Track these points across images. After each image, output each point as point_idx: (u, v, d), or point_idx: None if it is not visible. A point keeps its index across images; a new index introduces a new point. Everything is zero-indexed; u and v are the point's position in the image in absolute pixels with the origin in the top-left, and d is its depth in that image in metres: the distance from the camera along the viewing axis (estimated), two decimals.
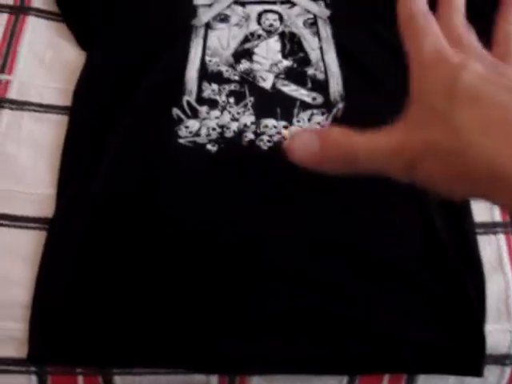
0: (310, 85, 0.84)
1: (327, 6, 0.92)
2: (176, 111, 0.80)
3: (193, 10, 0.91)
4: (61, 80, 0.85)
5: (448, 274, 0.69)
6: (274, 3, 0.92)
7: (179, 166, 0.76)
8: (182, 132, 0.78)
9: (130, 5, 0.90)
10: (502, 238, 0.75)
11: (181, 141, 0.78)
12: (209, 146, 0.77)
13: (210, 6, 0.91)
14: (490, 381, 0.71)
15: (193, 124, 0.79)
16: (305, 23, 0.90)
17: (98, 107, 0.80)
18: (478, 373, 0.68)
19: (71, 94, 0.83)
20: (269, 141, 0.78)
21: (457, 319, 0.68)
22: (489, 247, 0.74)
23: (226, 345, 0.67)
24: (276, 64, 0.86)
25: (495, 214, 0.76)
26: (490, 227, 0.75)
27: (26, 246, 0.72)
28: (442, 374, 0.69)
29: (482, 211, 0.76)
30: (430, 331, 0.68)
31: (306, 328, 0.67)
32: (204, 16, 0.90)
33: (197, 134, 0.78)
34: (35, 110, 0.82)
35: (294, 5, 0.92)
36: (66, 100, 0.83)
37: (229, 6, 0.91)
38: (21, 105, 0.82)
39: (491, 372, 0.70)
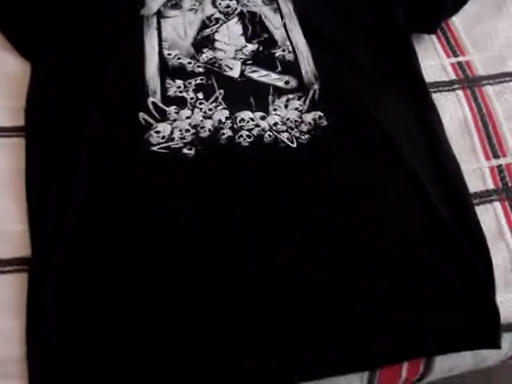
0: (280, 68, 0.78)
1: None
2: (143, 116, 0.73)
3: None
4: (6, 97, 0.76)
5: (456, 256, 0.67)
6: None
7: (157, 178, 0.69)
8: (154, 138, 0.72)
9: (73, 4, 0.81)
10: (498, 205, 0.73)
11: (154, 148, 0.71)
12: (185, 150, 0.71)
13: None
14: (503, 348, 0.70)
15: (164, 128, 0.72)
16: None
17: (57, 123, 0.72)
18: (495, 344, 0.67)
19: (21, 111, 0.74)
20: (248, 136, 0.72)
21: (470, 298, 0.67)
22: (487, 217, 0.73)
23: (245, 359, 0.63)
24: (241, 49, 0.79)
25: (488, 182, 0.75)
26: (485, 196, 0.74)
27: (6, 293, 0.64)
28: (463, 351, 0.69)
29: (475, 182, 0.75)
30: (447, 314, 0.66)
31: (327, 332, 0.64)
32: (153, 3, 0.82)
33: (170, 138, 0.72)
34: None
35: None
36: (16, 119, 0.74)
37: None
38: None
39: (504, 340, 0.69)
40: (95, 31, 0.79)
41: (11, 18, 0.81)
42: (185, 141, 0.72)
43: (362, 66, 0.79)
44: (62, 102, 0.74)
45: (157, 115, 0.73)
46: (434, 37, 0.86)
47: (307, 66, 0.78)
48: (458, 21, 0.88)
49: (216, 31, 0.81)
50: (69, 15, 0.80)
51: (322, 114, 0.74)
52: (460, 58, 0.84)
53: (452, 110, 0.80)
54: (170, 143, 0.72)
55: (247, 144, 0.72)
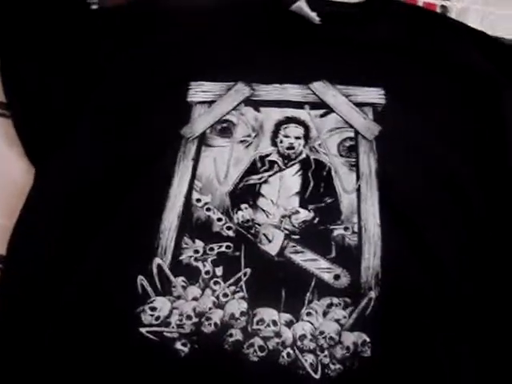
0: (334, 253, 0.59)
1: (377, 116, 0.63)
2: (141, 281, 0.58)
3: (186, 111, 0.64)
4: None
5: None
6: (302, 106, 0.64)
7: (138, 371, 0.55)
8: (146, 317, 0.56)
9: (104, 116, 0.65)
10: None
11: (142, 330, 0.56)
12: (178, 345, 0.55)
13: (209, 104, 0.65)
14: None
15: (162, 305, 0.57)
16: (340, 147, 0.63)
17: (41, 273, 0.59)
18: None
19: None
20: (261, 348, 0.55)
21: None
22: None
23: None
24: (289, 216, 0.60)
25: None
26: None
27: None
28: None
29: None
30: None
31: None
32: (199, 122, 0.64)
33: (165, 322, 0.56)
34: None
35: (329, 111, 0.64)
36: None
37: (236, 108, 0.65)
38: None
39: None
40: (123, 149, 0.63)
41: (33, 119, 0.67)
42: (182, 331, 0.56)
43: (444, 275, 0.57)
44: (52, 239, 0.60)
45: (158, 285, 0.58)
46: None
47: (371, 259, 0.58)
48: None
49: (266, 181, 0.62)
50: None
51: (367, 340, 0.55)
52: None
53: None
54: (164, 329, 0.56)
55: (256, 359, 0.54)
